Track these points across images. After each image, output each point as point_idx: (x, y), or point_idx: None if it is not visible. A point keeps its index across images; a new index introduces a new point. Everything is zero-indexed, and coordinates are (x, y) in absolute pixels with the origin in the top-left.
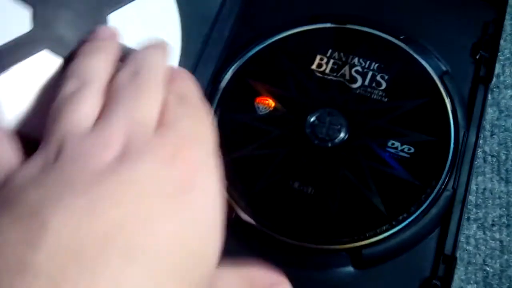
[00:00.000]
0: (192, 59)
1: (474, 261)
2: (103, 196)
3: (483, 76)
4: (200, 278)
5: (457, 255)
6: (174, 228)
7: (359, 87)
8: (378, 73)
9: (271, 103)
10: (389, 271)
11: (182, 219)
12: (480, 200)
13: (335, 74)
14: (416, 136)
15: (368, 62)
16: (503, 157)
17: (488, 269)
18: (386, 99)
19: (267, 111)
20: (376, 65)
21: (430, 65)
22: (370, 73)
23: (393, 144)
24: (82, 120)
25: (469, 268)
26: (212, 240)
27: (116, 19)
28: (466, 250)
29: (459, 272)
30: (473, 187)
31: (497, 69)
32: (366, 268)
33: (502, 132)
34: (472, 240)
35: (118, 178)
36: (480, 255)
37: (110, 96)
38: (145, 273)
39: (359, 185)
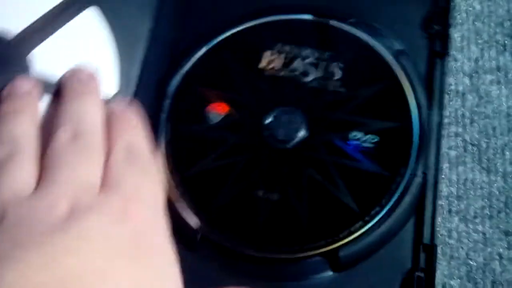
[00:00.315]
0: (134, 76)
1: (457, 255)
2: (57, 250)
3: (438, 51)
4: None
5: (436, 242)
6: (130, 282)
7: (313, 80)
8: (332, 62)
9: (223, 109)
10: (370, 269)
11: (138, 274)
12: (462, 191)
13: (286, 69)
14: (378, 124)
15: (319, 52)
16: (484, 145)
17: (471, 263)
18: (343, 89)
19: (220, 119)
20: (328, 54)
21: (384, 46)
22: (323, 64)
23: (355, 135)
24: (21, 186)
25: (452, 262)
26: None
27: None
28: (449, 244)
29: (442, 267)
30: (453, 177)
31: (476, 53)
32: (346, 270)
33: (482, 119)
34: (454, 234)
35: (68, 235)
36: (463, 248)
37: (50, 161)
38: None
39: (326, 184)
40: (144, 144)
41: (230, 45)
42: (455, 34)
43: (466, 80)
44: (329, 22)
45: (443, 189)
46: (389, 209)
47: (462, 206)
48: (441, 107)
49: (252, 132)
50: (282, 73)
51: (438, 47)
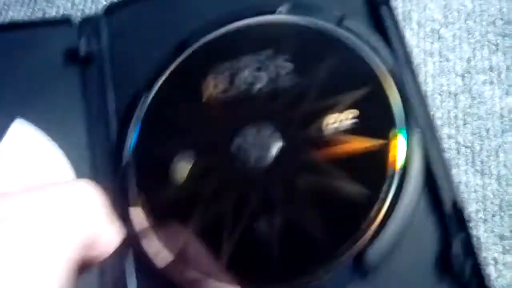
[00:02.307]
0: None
1: None
2: None
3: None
4: None
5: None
6: None
7: (265, 85)
8: (275, 59)
9: (188, 159)
10: (402, 259)
11: None
12: None
13: (234, 87)
14: (349, 96)
15: (259, 55)
16: (477, 147)
17: None
18: (298, 79)
19: (188, 170)
20: (268, 52)
21: (322, 20)
22: (268, 64)
23: (331, 119)
24: None
25: None
26: None
27: None
28: None
29: None
30: None
31: (468, 53)
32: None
33: (476, 120)
34: None
35: None
36: None
37: None
38: None
39: (326, 182)
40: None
41: (167, 92)
42: (447, 34)
43: (459, 81)
44: (257, 21)
45: None
46: (400, 178)
47: None
48: (406, 54)
49: (226, 167)
50: (231, 93)
51: None
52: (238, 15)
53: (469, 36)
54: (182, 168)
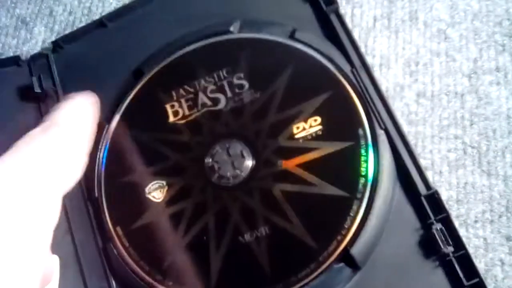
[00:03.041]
0: None
1: None
2: None
3: (327, 9)
4: None
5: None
6: None
7: (226, 103)
8: (233, 77)
9: (162, 184)
10: (387, 253)
11: None
12: (462, 195)
13: (195, 109)
14: (311, 104)
15: (215, 75)
16: (484, 148)
17: None
18: (258, 94)
19: (164, 194)
20: (225, 71)
21: (274, 34)
22: (225, 83)
23: (298, 127)
24: None
25: None
26: None
27: None
28: None
29: None
30: (453, 181)
31: (475, 53)
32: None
33: (482, 121)
34: None
35: None
36: None
37: None
38: None
39: (302, 188)
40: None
41: (129, 119)
42: (453, 34)
43: (465, 81)
44: (210, 42)
45: (443, 192)
46: (374, 175)
47: (462, 210)
48: (360, 57)
49: (202, 186)
50: (194, 115)
51: (323, 5)
52: (189, 38)
53: (476, 36)
54: (157, 193)
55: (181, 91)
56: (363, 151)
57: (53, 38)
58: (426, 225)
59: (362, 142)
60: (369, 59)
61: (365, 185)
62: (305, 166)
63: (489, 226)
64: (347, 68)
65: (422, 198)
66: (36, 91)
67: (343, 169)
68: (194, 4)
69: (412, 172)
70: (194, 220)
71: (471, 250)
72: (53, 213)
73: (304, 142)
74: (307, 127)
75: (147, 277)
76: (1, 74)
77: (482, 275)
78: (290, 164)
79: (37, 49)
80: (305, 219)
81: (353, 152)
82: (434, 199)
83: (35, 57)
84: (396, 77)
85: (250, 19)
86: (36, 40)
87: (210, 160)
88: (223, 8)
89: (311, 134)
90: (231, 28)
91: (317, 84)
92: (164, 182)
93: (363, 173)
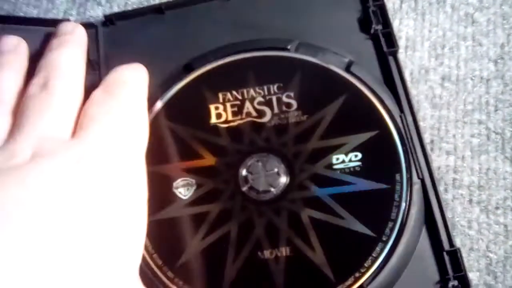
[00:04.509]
0: None
1: (476, 247)
2: (6, 181)
3: (387, 51)
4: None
5: (456, 244)
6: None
7: (271, 118)
8: (282, 94)
9: (191, 181)
10: None
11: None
12: (484, 181)
13: (239, 116)
14: (355, 139)
15: (266, 88)
16: (508, 134)
17: (491, 255)
18: (305, 117)
19: (191, 192)
20: (276, 86)
21: (331, 63)
22: (274, 98)
23: (337, 159)
24: None
25: (472, 254)
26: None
27: None
28: (468, 235)
29: None
30: (475, 166)
31: (502, 38)
32: None
33: (507, 107)
34: (474, 224)
35: (22, 174)
36: (483, 240)
37: (19, 112)
38: None
39: (330, 219)
40: (128, 84)
41: (171, 111)
42: (481, 18)
43: (491, 66)
44: (267, 54)
45: (464, 178)
46: (401, 221)
47: (484, 196)
48: (410, 104)
49: (231, 193)
50: (237, 122)
51: (385, 46)
52: (246, 45)
53: (504, 21)
54: (184, 190)
55: (229, 95)
56: (396, 196)
57: (75, 10)
58: (443, 279)
59: (398, 187)
60: None
61: (392, 229)
62: (338, 198)
63: (510, 213)
64: (396, 112)
65: (444, 254)
66: None
67: (374, 209)
68: (258, 14)
69: (440, 227)
70: (216, 225)
71: (491, 237)
72: (145, 181)
73: (341, 175)
74: (347, 161)
75: (158, 272)
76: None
77: (501, 262)
78: (323, 192)
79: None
80: (328, 250)
81: (387, 195)
82: (456, 256)
83: (84, 25)
84: (421, 60)
85: (309, 43)
86: (58, 10)
87: (245, 170)
88: (286, 25)
89: (349, 168)
90: (289, 47)
91: (365, 121)
92: (194, 181)
93: (392, 217)
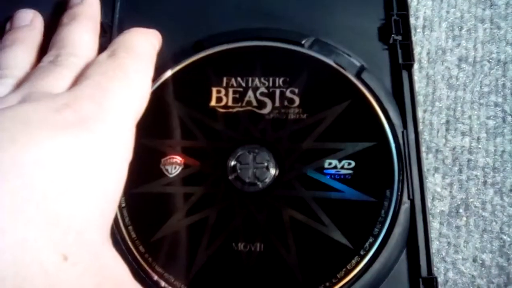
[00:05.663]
0: None
1: (490, 228)
2: None
3: (402, 63)
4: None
5: (434, 273)
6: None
7: (271, 111)
8: (287, 89)
9: (179, 160)
10: None
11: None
12: (498, 163)
13: (239, 104)
14: (351, 146)
15: (271, 80)
16: None
17: (505, 237)
18: (305, 115)
19: (178, 171)
20: (281, 80)
21: (342, 65)
22: (277, 91)
23: (330, 163)
24: None
25: (485, 236)
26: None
27: None
28: (482, 216)
29: (474, 240)
30: (490, 148)
31: None
32: None
33: None
34: (488, 206)
35: (5, 113)
36: (496, 222)
37: (25, 79)
38: None
39: (311, 223)
40: (134, 47)
41: (172, 86)
42: (500, 1)
43: (509, 49)
44: (278, 46)
45: (479, 159)
46: (383, 238)
47: (498, 178)
48: (415, 123)
49: (216, 179)
50: (236, 109)
51: (401, 58)
52: (260, 33)
53: None
54: (171, 167)
55: (233, 80)
56: (383, 212)
57: None
58: None
59: (386, 203)
60: (412, 21)
61: (372, 245)
62: (322, 203)
63: None
64: (398, 127)
65: (420, 280)
66: None
67: (357, 221)
68: (279, 3)
69: (421, 252)
70: (197, 208)
71: (504, 219)
72: (128, 144)
73: (331, 180)
74: (339, 167)
75: (131, 245)
76: None
77: None
78: (309, 195)
79: None
80: (302, 253)
81: (373, 209)
82: (432, 285)
83: None
84: (438, 40)
85: (325, 40)
86: None
87: (235, 159)
88: (305, 19)
89: (340, 175)
90: (304, 42)
91: (365, 130)
92: (182, 160)
93: (374, 233)
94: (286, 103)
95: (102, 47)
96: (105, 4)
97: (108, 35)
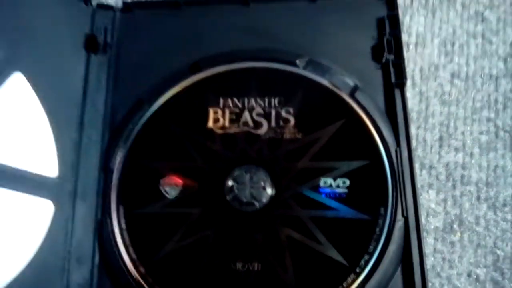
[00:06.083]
0: (71, 154)
1: (484, 243)
2: None
3: (394, 82)
4: None
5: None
6: None
7: (267, 131)
8: (282, 109)
9: (178, 181)
10: None
11: None
12: (491, 178)
13: (236, 125)
14: (346, 165)
15: (267, 100)
16: None
17: (499, 252)
18: (300, 135)
19: (177, 192)
20: (277, 100)
21: (335, 85)
22: (273, 112)
23: (325, 182)
24: None
25: (479, 251)
26: None
27: None
28: (476, 231)
29: (468, 255)
30: (483, 163)
31: (511, 36)
32: None
33: None
34: (482, 221)
35: None
36: (490, 237)
37: None
38: None
39: (307, 242)
40: None
41: (171, 108)
42: (491, 16)
43: (501, 64)
44: (273, 67)
45: (473, 174)
46: (378, 256)
47: (491, 193)
48: (408, 141)
49: (215, 200)
50: (233, 130)
51: (393, 77)
52: (255, 54)
53: None
54: (170, 188)
55: (229, 101)
56: (377, 230)
57: None
58: None
59: (380, 221)
60: (405, 38)
61: (367, 262)
62: (318, 221)
63: None
64: (392, 145)
65: None
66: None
67: (352, 239)
68: (274, 24)
69: (416, 269)
70: (195, 229)
71: (498, 233)
72: None
73: (326, 199)
74: (334, 186)
75: (131, 266)
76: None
77: (508, 258)
78: (305, 214)
79: None
80: (299, 271)
81: (368, 227)
82: None
83: (101, 6)
84: (431, 57)
85: (319, 60)
86: None
87: (232, 179)
88: (300, 38)
89: (335, 194)
90: (298, 62)
91: (359, 149)
92: (181, 181)
93: (369, 250)
94: (281, 123)
95: (103, 65)
96: (105, 25)
97: (107, 54)
